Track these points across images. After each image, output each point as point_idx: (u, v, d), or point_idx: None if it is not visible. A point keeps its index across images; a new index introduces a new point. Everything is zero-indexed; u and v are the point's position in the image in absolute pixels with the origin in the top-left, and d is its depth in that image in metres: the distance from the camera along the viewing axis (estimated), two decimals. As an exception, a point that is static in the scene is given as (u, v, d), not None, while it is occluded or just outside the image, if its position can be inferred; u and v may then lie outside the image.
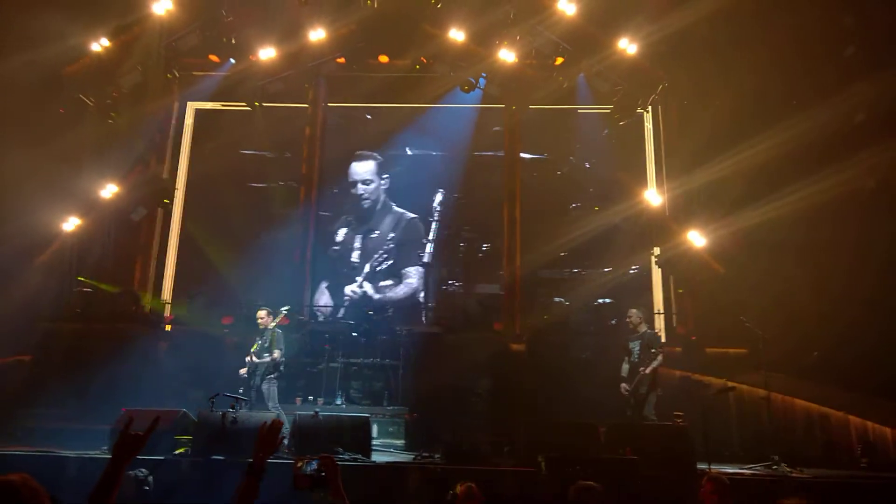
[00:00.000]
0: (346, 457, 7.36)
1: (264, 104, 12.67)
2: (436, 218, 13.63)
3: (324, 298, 13.42)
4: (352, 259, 13.74)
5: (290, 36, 12.50)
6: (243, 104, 12.71)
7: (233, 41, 12.53)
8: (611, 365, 9.40)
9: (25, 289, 12.36)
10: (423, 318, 13.00)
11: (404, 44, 12.35)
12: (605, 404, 8.87)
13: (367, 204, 14.00)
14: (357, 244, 13.79)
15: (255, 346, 9.22)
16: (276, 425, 3.14)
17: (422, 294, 13.40)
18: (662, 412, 8.93)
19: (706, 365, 10.56)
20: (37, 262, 11.91)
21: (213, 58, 13.12)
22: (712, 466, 7.56)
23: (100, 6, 12.36)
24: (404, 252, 13.65)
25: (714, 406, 9.05)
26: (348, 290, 13.47)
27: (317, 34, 12.38)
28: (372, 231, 13.85)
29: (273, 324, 9.34)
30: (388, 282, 13.49)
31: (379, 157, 14.08)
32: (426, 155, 14.01)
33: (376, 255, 13.65)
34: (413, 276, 13.57)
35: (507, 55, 12.08)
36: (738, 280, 11.30)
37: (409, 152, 14.09)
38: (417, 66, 12.70)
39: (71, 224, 12.11)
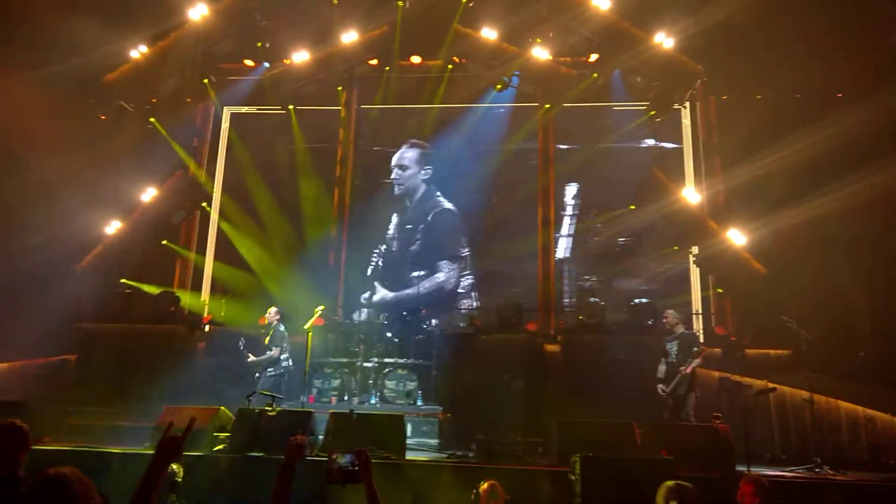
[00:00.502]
0: (380, 454, 7.37)
1: (298, 107, 12.83)
2: (570, 212, 13.45)
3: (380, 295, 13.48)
4: (393, 248, 13.81)
5: (323, 39, 12.62)
6: (278, 108, 12.86)
7: (267, 45, 12.68)
8: (647, 366, 9.25)
9: (70, 290, 12.74)
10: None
11: (437, 44, 12.39)
12: (640, 405, 8.69)
13: (398, 190, 13.97)
14: (398, 234, 13.87)
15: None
16: (301, 440, 3.26)
17: (454, 288, 13.35)
18: (701, 413, 8.76)
19: (746, 366, 10.31)
20: (81, 265, 12.23)
21: (248, 62, 13.36)
22: (752, 469, 7.42)
23: (138, 14, 12.62)
24: (433, 243, 13.58)
25: (754, 407, 8.84)
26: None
27: (349, 36, 12.48)
28: (407, 222, 13.85)
29: (275, 321, 9.92)
30: (420, 272, 13.43)
31: (427, 146, 14.02)
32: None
33: (411, 246, 13.64)
34: (444, 270, 13.47)
35: (540, 53, 12.01)
36: (779, 279, 11.04)
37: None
38: (450, 66, 12.74)
39: (113, 227, 12.43)
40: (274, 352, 9.81)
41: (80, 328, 11.07)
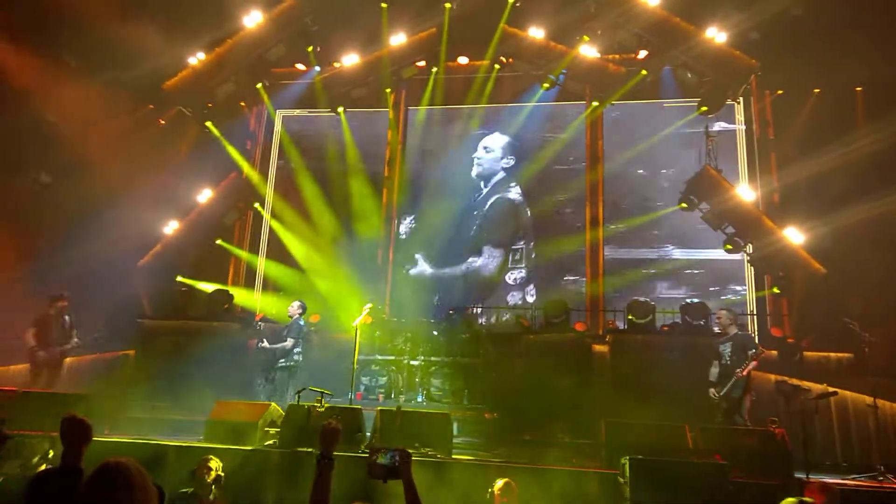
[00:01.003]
0: (426, 452, 7.40)
1: (348, 109, 13.01)
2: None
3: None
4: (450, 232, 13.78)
5: (372, 42, 12.81)
6: (328, 110, 13.06)
7: (318, 49, 12.90)
8: (698, 367, 9.02)
9: (131, 288, 13.21)
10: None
11: (484, 44, 12.40)
12: (692, 407, 8.47)
13: (477, 170, 13.90)
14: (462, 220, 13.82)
15: None
16: (334, 425, 3.37)
17: (496, 276, 13.29)
18: (757, 417, 8.49)
19: (805, 369, 9.95)
20: (140, 264, 12.68)
21: (300, 66, 13.62)
22: (811, 476, 7.16)
23: (196, 22, 12.99)
24: (488, 229, 13.54)
25: (814, 412, 8.51)
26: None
27: (397, 39, 12.61)
28: (474, 207, 13.81)
29: (297, 314, 10.15)
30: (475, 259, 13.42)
31: (513, 140, 14.04)
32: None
33: (470, 231, 13.69)
34: (483, 254, 13.37)
35: (588, 51, 11.88)
36: (841, 280, 10.62)
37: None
38: (497, 66, 12.72)
39: (170, 228, 12.84)
40: (288, 343, 9.91)
41: (140, 324, 11.47)
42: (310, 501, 3.19)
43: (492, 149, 13.95)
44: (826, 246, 10.87)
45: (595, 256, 12.65)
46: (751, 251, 11.17)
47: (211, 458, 5.89)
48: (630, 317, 10.07)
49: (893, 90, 11.54)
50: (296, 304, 10.34)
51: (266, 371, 9.99)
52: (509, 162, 13.86)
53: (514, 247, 13.42)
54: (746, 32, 11.39)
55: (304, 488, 6.68)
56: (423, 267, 13.56)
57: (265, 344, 10.10)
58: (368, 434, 7.92)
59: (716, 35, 10.94)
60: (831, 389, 8.61)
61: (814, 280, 10.57)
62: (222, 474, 5.82)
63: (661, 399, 8.54)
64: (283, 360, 10.01)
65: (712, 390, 8.56)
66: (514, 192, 13.67)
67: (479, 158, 13.92)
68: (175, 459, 7.21)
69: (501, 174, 13.84)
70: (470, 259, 13.42)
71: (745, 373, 8.38)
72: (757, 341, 11.03)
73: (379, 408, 8.23)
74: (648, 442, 7.07)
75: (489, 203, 13.66)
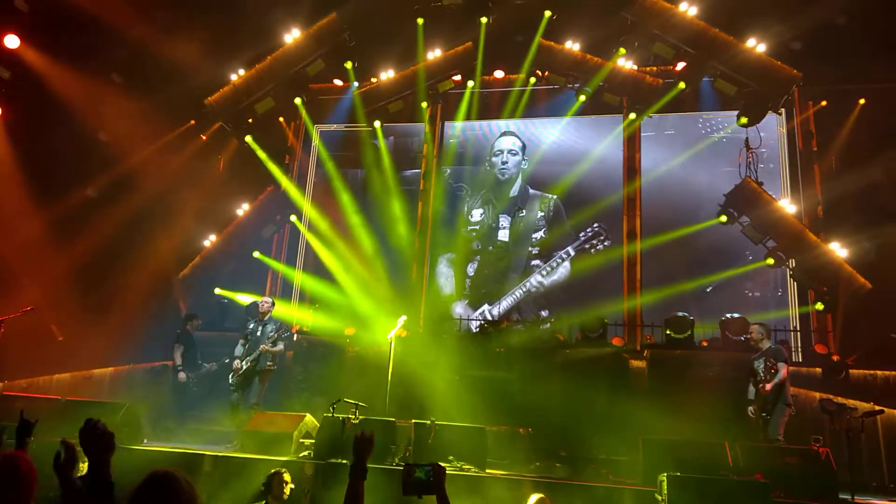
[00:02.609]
0: (461, 466, 7.37)
1: (385, 124, 13.15)
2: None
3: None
4: (499, 238, 13.70)
5: (409, 57, 12.93)
6: (365, 125, 13.20)
7: (355, 65, 13.05)
8: (739, 383, 8.83)
9: (172, 300, 13.50)
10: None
11: (520, 58, 12.42)
12: (732, 424, 8.28)
13: (505, 175, 13.85)
14: (504, 223, 13.71)
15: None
16: (368, 436, 3.37)
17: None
18: (801, 436, 8.24)
19: (850, 387, 9.66)
20: (180, 276, 12.95)
21: (337, 82, 13.82)
22: (857, 497, 6.95)
23: (236, 39, 13.31)
24: (555, 234, 13.45)
25: (860, 431, 8.23)
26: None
27: (434, 53, 12.72)
28: (520, 210, 13.70)
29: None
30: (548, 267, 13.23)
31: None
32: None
33: (533, 236, 13.55)
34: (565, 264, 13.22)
35: (625, 63, 11.83)
36: (887, 295, 10.31)
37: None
38: (533, 80, 12.73)
39: (209, 240, 13.10)
40: (280, 347, 9.68)
41: (179, 335, 11.67)
42: None
43: (516, 151, 13.94)
44: (871, 260, 10.59)
45: (632, 270, 12.51)
46: (793, 266, 10.91)
47: (284, 472, 5.96)
48: (668, 332, 9.92)
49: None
50: (269, 300, 9.93)
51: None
52: (525, 163, 13.93)
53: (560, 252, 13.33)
54: (788, 42, 11.22)
55: (338, 499, 6.70)
56: (483, 308, 13.46)
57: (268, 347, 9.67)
58: (403, 447, 7.94)
59: (756, 45, 10.77)
60: (878, 408, 8.34)
61: (859, 295, 10.26)
62: (286, 494, 5.89)
63: (700, 415, 8.39)
64: (270, 363, 9.52)
65: (751, 408, 8.34)
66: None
67: (505, 164, 13.84)
68: (210, 469, 7.33)
69: (520, 177, 13.88)
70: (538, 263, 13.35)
71: (768, 388, 8.16)
72: (800, 359, 10.91)
73: (413, 421, 8.24)
74: (687, 459, 6.93)
75: (549, 208, 13.58)
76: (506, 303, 13.20)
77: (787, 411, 8.18)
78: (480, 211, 13.97)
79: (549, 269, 13.10)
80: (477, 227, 13.87)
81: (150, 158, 13.16)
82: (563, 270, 13.15)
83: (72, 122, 11.91)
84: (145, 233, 13.11)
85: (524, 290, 13.15)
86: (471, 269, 13.72)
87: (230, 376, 9.47)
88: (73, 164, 12.34)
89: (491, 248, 13.66)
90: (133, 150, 12.90)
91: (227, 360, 10.30)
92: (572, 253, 13.11)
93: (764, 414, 8.17)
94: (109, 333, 11.84)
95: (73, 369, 12.18)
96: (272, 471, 5.98)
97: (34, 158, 11.67)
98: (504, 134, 14.16)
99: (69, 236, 11.91)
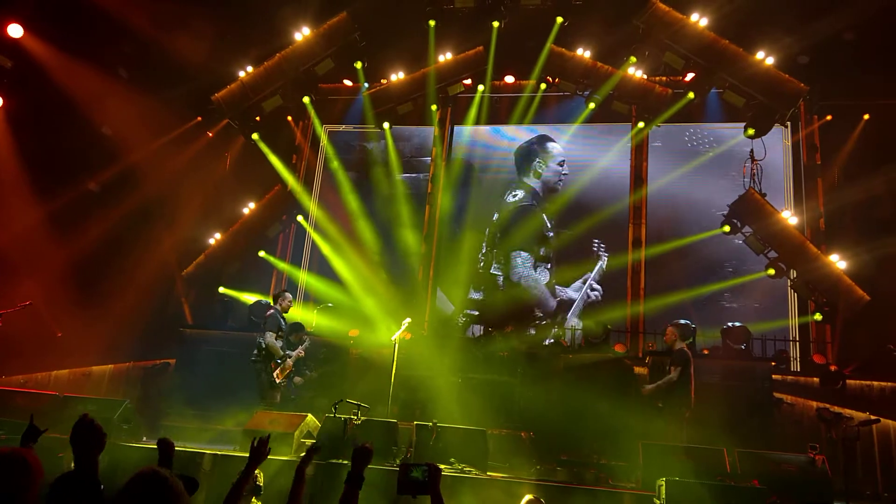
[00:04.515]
0: (462, 468, 7.42)
1: (394, 125, 13.18)
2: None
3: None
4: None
5: (419, 59, 12.94)
6: (374, 126, 13.22)
7: (365, 65, 13.06)
8: (739, 391, 8.94)
9: (174, 298, 13.51)
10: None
11: (531, 63, 12.46)
12: (731, 431, 8.40)
13: (561, 185, 13.61)
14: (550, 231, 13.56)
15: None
16: (368, 447, 3.46)
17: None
18: (798, 444, 8.36)
19: (847, 397, 9.81)
20: (184, 273, 12.96)
21: (347, 82, 13.83)
22: (851, 505, 7.06)
23: (245, 36, 13.30)
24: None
25: (855, 439, 8.36)
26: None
27: (444, 56, 12.77)
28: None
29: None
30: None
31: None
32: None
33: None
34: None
35: (635, 71, 11.91)
36: (885, 308, 10.44)
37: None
38: (544, 86, 12.79)
39: (214, 239, 13.10)
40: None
41: (181, 333, 11.71)
42: None
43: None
44: (871, 273, 10.69)
45: (636, 278, 12.60)
46: (794, 277, 11.00)
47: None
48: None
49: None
50: (290, 295, 9.93)
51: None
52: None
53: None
54: (795, 56, 11.32)
55: (337, 500, 6.78)
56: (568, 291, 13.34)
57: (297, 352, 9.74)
58: (405, 448, 7.99)
59: (765, 58, 10.87)
60: (873, 417, 8.47)
61: (857, 307, 10.37)
62: (261, 484, 5.92)
63: (700, 422, 8.49)
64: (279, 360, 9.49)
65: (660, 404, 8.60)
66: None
67: (566, 174, 13.66)
68: (210, 467, 7.36)
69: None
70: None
71: (647, 388, 8.64)
72: (798, 368, 11.04)
73: (415, 422, 8.29)
74: (685, 464, 7.05)
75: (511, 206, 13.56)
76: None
77: (686, 413, 8.39)
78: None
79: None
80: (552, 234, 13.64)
81: (154, 154, 13.16)
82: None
83: (75, 114, 11.89)
84: (148, 229, 13.11)
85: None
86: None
87: (277, 373, 9.34)
88: (76, 158, 12.33)
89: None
90: (137, 145, 12.90)
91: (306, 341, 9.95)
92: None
93: (660, 405, 8.48)
94: (109, 330, 11.84)
95: (72, 366, 12.19)
96: None
97: (35, 150, 11.64)
98: (550, 140, 13.91)
99: (70, 230, 11.89)
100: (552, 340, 11.85)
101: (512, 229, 13.37)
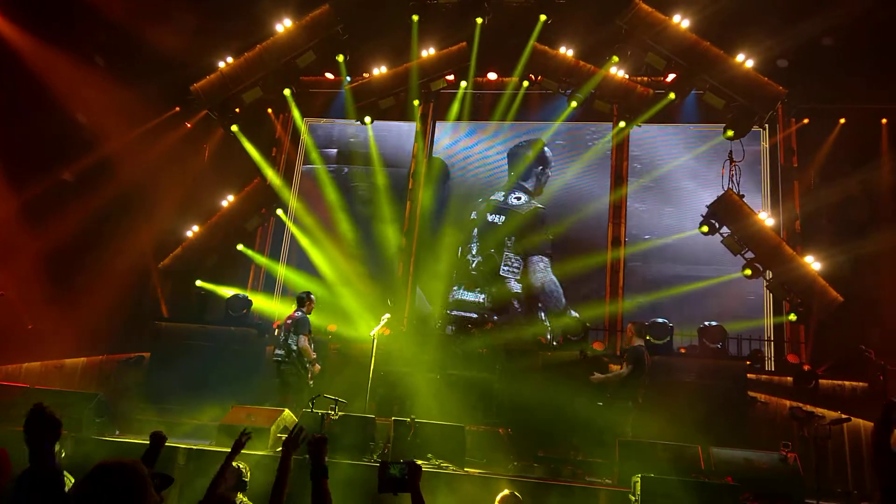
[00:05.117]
0: (439, 464, 7.42)
1: (376, 120, 13.11)
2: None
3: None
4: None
5: (402, 54, 12.83)
6: (355, 120, 13.10)
7: (347, 59, 12.93)
8: (715, 389, 9.05)
9: (150, 290, 13.35)
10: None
11: (513, 61, 12.45)
12: (707, 429, 8.51)
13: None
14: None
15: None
16: (319, 437, 3.49)
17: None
18: (771, 442, 8.52)
19: (819, 396, 9.99)
20: (160, 266, 12.77)
21: (329, 75, 13.72)
22: (822, 502, 7.17)
23: (226, 26, 13.09)
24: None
25: (827, 437, 8.52)
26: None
27: (427, 51, 12.73)
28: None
29: None
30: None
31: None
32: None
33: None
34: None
35: (617, 71, 11.97)
36: (858, 309, 10.64)
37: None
38: (526, 83, 12.80)
39: (191, 231, 12.93)
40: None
41: (156, 326, 11.54)
42: None
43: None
44: (845, 274, 10.86)
45: (615, 276, 12.68)
46: (770, 277, 11.14)
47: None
48: (648, 337, 10.06)
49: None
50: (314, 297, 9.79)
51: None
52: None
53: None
54: (775, 59, 11.45)
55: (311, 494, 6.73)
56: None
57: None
58: (382, 444, 7.97)
59: (745, 60, 10.97)
60: (845, 416, 8.62)
61: (831, 309, 10.53)
62: (247, 480, 5.87)
63: (676, 420, 8.60)
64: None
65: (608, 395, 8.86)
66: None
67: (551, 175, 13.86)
68: (185, 462, 7.29)
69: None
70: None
71: (594, 377, 8.88)
72: (772, 368, 11.20)
73: (393, 418, 8.28)
74: (661, 461, 7.17)
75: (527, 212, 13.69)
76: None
77: (631, 405, 8.63)
78: None
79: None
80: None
81: (131, 144, 13.00)
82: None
83: (50, 103, 11.71)
84: (124, 221, 12.93)
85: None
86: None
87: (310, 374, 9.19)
88: (51, 147, 12.16)
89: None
90: (114, 135, 12.73)
91: None
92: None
93: (608, 395, 8.77)
94: (83, 323, 11.70)
95: (44, 358, 12.03)
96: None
97: (9, 139, 11.46)
98: (548, 148, 14.03)
99: (43, 221, 11.73)
100: (531, 338, 11.89)
101: (528, 233, 13.45)
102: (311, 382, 9.11)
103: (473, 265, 13.54)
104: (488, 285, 13.35)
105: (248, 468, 5.94)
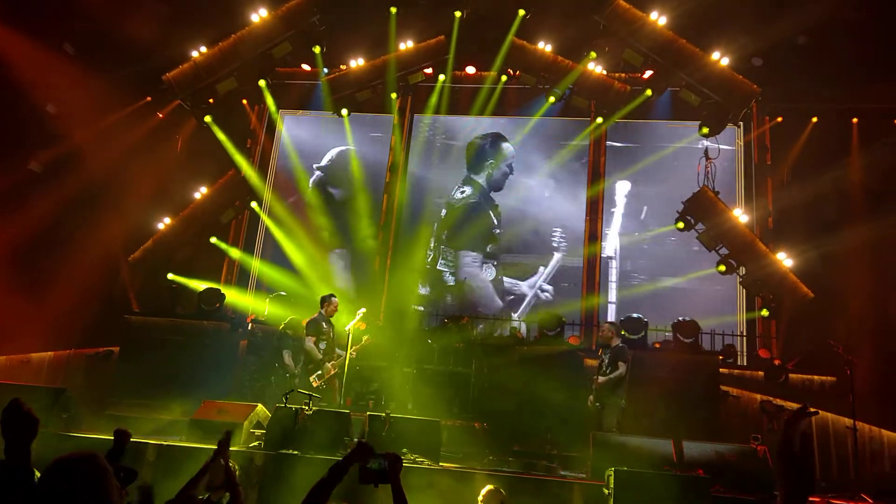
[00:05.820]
0: (414, 459, 7.39)
1: (353, 112, 12.99)
2: (622, 211, 13.38)
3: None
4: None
5: (380, 46, 12.75)
6: (332, 113, 12.97)
7: (324, 50, 12.78)
8: (688, 384, 9.15)
9: (119, 284, 13.11)
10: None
11: (492, 55, 12.41)
12: (680, 423, 8.62)
13: (504, 185, 13.89)
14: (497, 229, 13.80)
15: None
16: (368, 446, 3.32)
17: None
18: (741, 435, 8.65)
19: (789, 390, 10.16)
20: (130, 259, 12.52)
21: (305, 67, 13.52)
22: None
23: (199, 15, 12.90)
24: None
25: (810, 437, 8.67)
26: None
27: (406, 44, 12.64)
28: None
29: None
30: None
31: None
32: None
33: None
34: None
35: (594, 67, 12.00)
36: (828, 304, 10.82)
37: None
38: (505, 78, 12.77)
39: (163, 223, 12.70)
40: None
41: (126, 320, 11.31)
42: (305, 499, 3.16)
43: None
44: (815, 271, 11.05)
45: (592, 271, 12.74)
46: (743, 273, 11.28)
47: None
48: (623, 332, 10.13)
49: (887, 123, 11.84)
50: (336, 299, 9.59)
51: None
52: None
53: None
54: (749, 58, 11.58)
55: (286, 490, 6.66)
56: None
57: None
58: (357, 440, 7.91)
59: (720, 58, 11.07)
60: (813, 409, 8.72)
61: (802, 304, 10.70)
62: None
63: (650, 414, 8.68)
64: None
65: (591, 398, 8.79)
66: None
67: (510, 175, 13.83)
68: (154, 458, 7.17)
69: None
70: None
71: (599, 381, 8.71)
72: (744, 363, 11.34)
73: (368, 413, 8.22)
74: (634, 455, 7.18)
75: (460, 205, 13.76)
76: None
77: (616, 411, 8.62)
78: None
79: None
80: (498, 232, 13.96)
81: (101, 134, 12.77)
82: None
83: (15, 89, 11.44)
84: (93, 212, 12.72)
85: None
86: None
87: (314, 378, 8.93)
88: (15, 136, 11.87)
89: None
90: (84, 124, 12.51)
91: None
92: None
93: (598, 404, 8.68)
94: (51, 316, 11.47)
95: (9, 352, 11.82)
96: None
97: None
98: (504, 140, 14.05)
99: (9, 212, 11.47)
100: (507, 332, 11.92)
101: (462, 227, 13.53)
102: (323, 384, 8.93)
103: (429, 259, 13.66)
104: (432, 280, 13.52)
105: (236, 466, 5.83)
